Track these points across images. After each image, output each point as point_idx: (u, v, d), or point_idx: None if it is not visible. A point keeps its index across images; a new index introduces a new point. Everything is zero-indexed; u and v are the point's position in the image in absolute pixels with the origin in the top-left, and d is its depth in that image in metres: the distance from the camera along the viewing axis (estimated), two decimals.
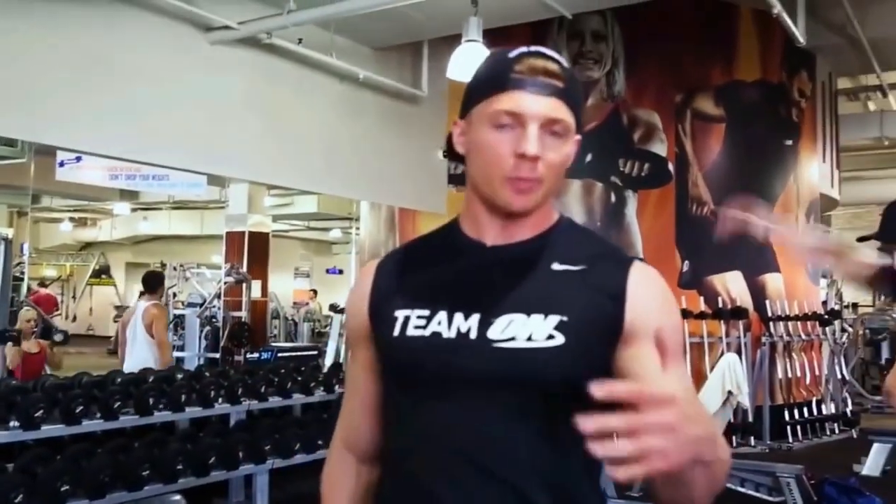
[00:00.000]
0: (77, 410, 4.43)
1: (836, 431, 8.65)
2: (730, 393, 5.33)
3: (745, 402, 5.55)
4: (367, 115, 7.42)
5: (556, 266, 1.25)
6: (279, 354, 7.46)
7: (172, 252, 18.18)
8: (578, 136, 1.26)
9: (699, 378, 7.89)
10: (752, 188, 8.58)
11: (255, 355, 7.16)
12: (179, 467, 4.66)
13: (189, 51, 5.93)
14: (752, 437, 7.76)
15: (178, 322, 12.68)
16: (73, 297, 23.15)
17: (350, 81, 6.98)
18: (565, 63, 1.23)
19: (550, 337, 1.18)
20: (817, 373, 8.73)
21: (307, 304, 18.30)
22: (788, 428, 8.10)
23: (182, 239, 20.34)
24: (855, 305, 15.52)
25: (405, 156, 7.83)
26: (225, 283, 12.07)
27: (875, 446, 6.71)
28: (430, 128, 8.13)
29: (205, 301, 12.36)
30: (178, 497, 1.87)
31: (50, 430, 4.35)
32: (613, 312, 1.22)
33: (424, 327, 1.25)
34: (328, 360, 8.36)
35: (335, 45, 6.59)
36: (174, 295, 14.75)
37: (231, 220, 13.87)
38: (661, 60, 8.31)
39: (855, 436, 8.57)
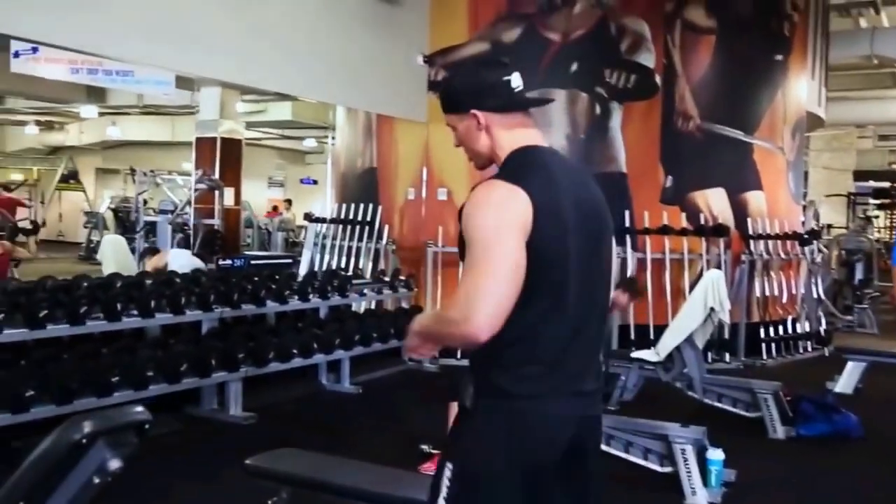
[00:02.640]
0: (41, 314, 4.26)
1: (809, 350, 8.72)
2: (712, 310, 5.26)
3: (726, 318, 5.48)
4: (346, 15, 7.07)
5: None
6: (252, 262, 7.28)
7: (143, 158, 17.71)
8: (471, 112, 1.94)
9: (678, 295, 7.89)
10: (740, 103, 8.41)
11: (228, 262, 6.97)
12: (150, 374, 4.54)
13: None
14: (727, 354, 7.78)
15: (150, 229, 12.44)
16: (42, 202, 22.64)
17: None
18: (439, 89, 2.05)
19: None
20: (794, 292, 8.74)
21: (281, 213, 18.05)
22: (763, 345, 8.14)
23: (153, 145, 19.85)
24: (829, 227, 15.60)
25: (385, 60, 7.52)
26: (196, 189, 11.79)
27: (849, 365, 6.74)
28: (411, 31, 7.80)
29: (176, 208, 12.11)
30: (140, 408, 1.71)
31: (12, 334, 4.18)
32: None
33: None
34: (303, 269, 8.21)
35: None
36: (145, 202, 14.45)
37: (202, 126, 13.46)
38: None
39: (827, 354, 8.65)
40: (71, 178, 22.02)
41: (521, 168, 1.84)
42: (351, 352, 6.19)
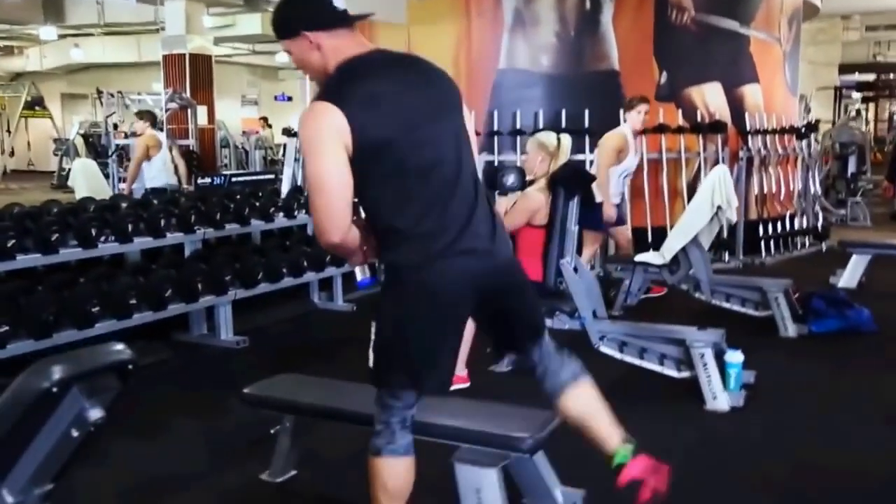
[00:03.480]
0: (9, 244, 3.95)
1: (807, 245, 8.57)
2: (719, 208, 5.02)
3: (733, 216, 5.24)
4: None
5: None
6: (233, 180, 6.93)
7: (110, 81, 16.98)
8: (301, 34, 2.09)
9: (675, 195, 7.65)
10: None
11: (207, 180, 6.62)
12: (133, 302, 4.27)
13: None
14: (726, 253, 7.60)
15: (123, 153, 11.97)
16: (8, 130, 21.88)
17: None
18: (271, 19, 2.18)
19: None
20: (791, 188, 8.53)
21: (257, 131, 17.53)
22: (762, 243, 7.97)
23: (119, 67, 19.05)
24: (817, 122, 15.30)
25: None
26: (168, 109, 11.29)
27: (854, 258, 6.62)
28: None
29: None
30: (120, 346, 1.42)
31: None
32: None
33: None
34: (285, 186, 7.87)
35: None
36: (115, 125, 13.92)
37: (169, 43, 12.85)
38: None
39: (825, 249, 8.51)
40: (36, 105, 21.25)
41: (339, 83, 2.05)
42: (342, 268, 5.93)
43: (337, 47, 2.09)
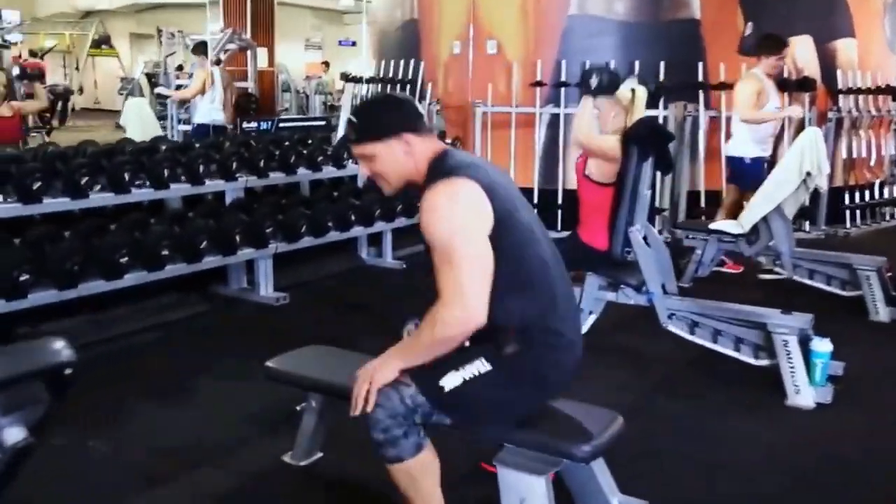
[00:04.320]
0: (35, 187, 3.70)
1: (895, 217, 7.92)
2: (808, 174, 4.51)
3: (824, 184, 4.71)
4: None
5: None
6: (282, 125, 6.60)
7: (177, 21, 16.83)
8: (397, 136, 2.05)
9: None
10: None
11: (253, 125, 6.30)
12: (165, 253, 4.00)
13: None
14: (806, 222, 7.04)
15: None
16: (77, 68, 21.98)
17: None
18: (355, 120, 2.10)
19: None
20: (883, 153, 7.84)
21: (319, 76, 17.21)
22: (847, 212, 7.36)
23: (185, 7, 18.85)
24: None
25: None
26: (227, 50, 10.99)
27: None
28: None
29: None
30: (59, 344, 1.07)
31: (2, 209, 3.65)
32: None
33: None
34: (339, 134, 7.54)
35: None
36: (180, 66, 13.78)
37: None
38: None
39: None
40: (103, 44, 21.25)
41: (454, 167, 1.99)
42: (393, 223, 5.61)
43: (424, 150, 2.06)
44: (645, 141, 3.49)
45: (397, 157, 2.04)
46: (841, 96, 7.29)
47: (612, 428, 2.09)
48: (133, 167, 4.14)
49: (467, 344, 1.99)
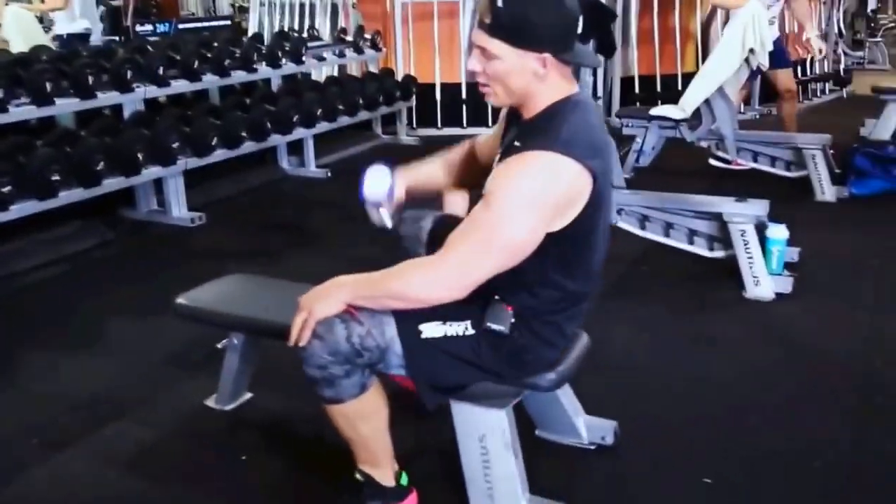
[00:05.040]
0: None
1: (827, 92, 7.83)
2: (751, 51, 4.25)
3: (766, 62, 4.47)
4: None
5: (516, 143, 1.61)
6: (181, 26, 6.01)
7: None
8: (539, 51, 1.57)
9: (687, 38, 6.84)
10: None
11: (148, 28, 5.70)
12: (56, 178, 3.56)
13: None
14: (740, 104, 6.87)
15: None
16: None
17: None
18: (499, 3, 1.55)
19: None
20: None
21: None
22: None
23: None
24: None
25: None
26: None
27: (889, 107, 5.89)
28: None
29: None
30: None
31: None
32: None
33: None
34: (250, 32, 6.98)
35: None
36: None
37: None
38: None
39: (846, 96, 7.77)
40: None
41: (570, 139, 1.57)
42: (313, 129, 5.20)
43: (556, 86, 1.63)
44: (585, 19, 3.15)
45: (524, 75, 1.59)
46: None
47: (577, 350, 1.84)
48: (6, 82, 3.62)
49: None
